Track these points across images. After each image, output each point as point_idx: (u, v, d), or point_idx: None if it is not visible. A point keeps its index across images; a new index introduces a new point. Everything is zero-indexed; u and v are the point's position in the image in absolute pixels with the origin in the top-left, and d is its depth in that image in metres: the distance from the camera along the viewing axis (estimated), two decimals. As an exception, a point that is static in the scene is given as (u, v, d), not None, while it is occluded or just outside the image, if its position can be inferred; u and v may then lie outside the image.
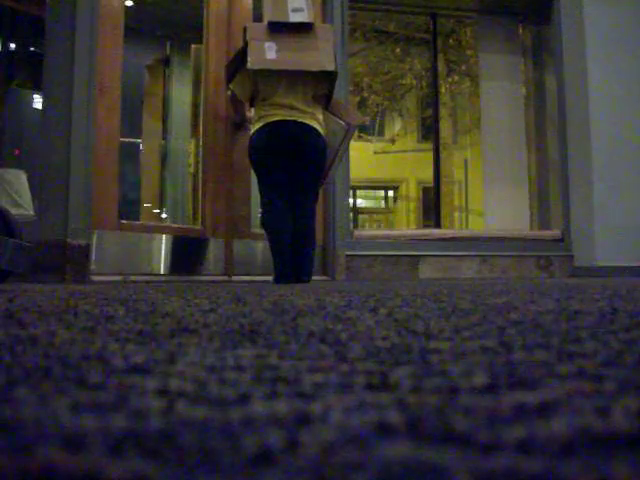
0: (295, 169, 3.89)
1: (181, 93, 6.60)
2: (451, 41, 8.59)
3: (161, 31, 6.46)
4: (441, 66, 8.29)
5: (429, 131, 9.26)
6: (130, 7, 5.08)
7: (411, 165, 11.94)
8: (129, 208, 6.61)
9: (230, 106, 4.58)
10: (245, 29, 3.96)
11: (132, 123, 6.75)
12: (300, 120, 3.84)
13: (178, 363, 0.62)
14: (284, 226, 3.89)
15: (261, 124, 3.86)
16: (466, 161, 9.41)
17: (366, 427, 0.38)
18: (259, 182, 4.02)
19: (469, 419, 0.40)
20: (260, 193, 4.05)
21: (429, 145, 8.17)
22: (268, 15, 3.90)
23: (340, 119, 4.12)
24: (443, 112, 8.62)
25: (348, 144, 4.36)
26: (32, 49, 6.56)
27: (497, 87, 6.48)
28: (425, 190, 11.40)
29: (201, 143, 4.93)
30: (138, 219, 6.12)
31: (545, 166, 6.23)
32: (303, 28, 3.89)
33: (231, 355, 0.68)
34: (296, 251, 3.90)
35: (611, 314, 1.20)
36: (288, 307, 1.46)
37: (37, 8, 4.51)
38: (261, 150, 3.87)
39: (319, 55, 3.85)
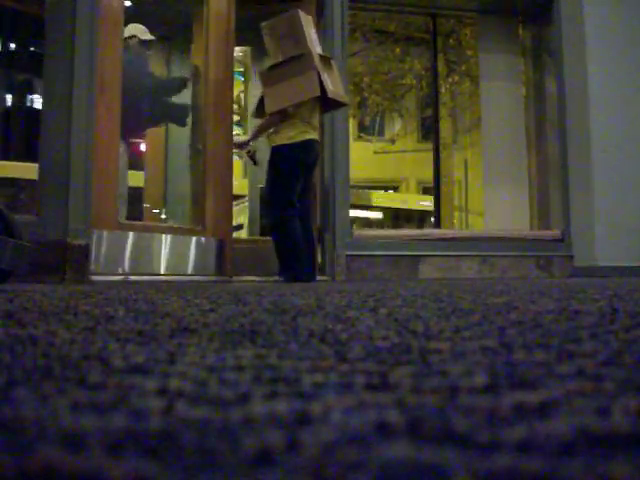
0: (306, 178, 4.28)
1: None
2: (451, 41, 8.58)
3: (161, 31, 6.44)
4: (441, 66, 8.28)
5: (429, 131, 9.25)
6: (130, 7, 5.07)
7: (411, 165, 11.93)
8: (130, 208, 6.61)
9: (263, 127, 4.48)
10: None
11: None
12: (317, 139, 4.32)
13: (178, 363, 0.62)
14: (298, 232, 4.17)
15: (302, 139, 4.19)
16: (466, 161, 9.39)
17: (366, 427, 0.38)
18: (283, 188, 4.18)
19: (469, 419, 0.40)
20: (279, 199, 4.18)
21: (429, 145, 8.17)
22: (309, 43, 4.15)
23: None
24: (443, 112, 8.61)
25: None
26: (32, 49, 6.55)
27: (497, 87, 6.48)
28: (425, 190, 11.39)
29: (201, 143, 4.92)
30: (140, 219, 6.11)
31: (545, 166, 6.22)
32: (326, 60, 4.34)
33: (231, 355, 0.68)
34: (307, 252, 4.21)
35: (611, 314, 1.20)
36: (288, 307, 1.45)
37: (37, 8, 4.50)
38: (301, 160, 4.21)
39: (340, 88, 4.42)
